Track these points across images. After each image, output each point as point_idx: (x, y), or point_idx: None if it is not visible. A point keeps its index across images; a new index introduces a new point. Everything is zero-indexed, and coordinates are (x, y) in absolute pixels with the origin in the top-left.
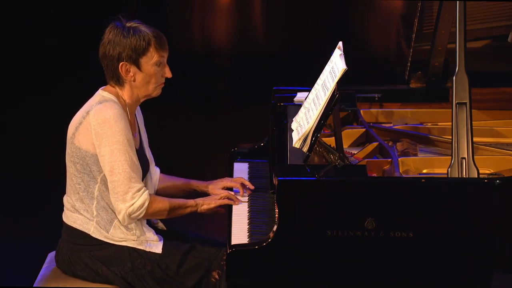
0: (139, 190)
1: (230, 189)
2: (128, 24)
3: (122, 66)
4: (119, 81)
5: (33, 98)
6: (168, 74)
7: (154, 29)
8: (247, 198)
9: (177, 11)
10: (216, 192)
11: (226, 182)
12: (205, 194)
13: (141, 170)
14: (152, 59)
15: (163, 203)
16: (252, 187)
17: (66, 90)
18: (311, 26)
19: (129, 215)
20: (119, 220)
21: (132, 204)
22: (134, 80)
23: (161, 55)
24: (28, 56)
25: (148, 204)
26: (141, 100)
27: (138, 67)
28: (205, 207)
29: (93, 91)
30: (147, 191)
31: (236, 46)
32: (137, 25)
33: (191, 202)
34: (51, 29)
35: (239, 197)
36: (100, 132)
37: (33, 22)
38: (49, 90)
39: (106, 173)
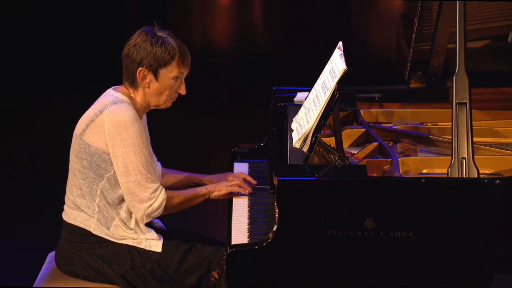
0: (156, 190)
1: None
2: (158, 33)
3: (140, 72)
4: (133, 83)
5: (33, 98)
6: (183, 91)
7: (182, 45)
8: (247, 198)
9: (177, 11)
10: None
11: (229, 177)
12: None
13: (155, 170)
14: (171, 73)
15: (179, 198)
16: (254, 182)
17: (67, 91)
18: (311, 26)
19: (148, 215)
20: (120, 219)
21: (151, 205)
22: (148, 87)
23: (181, 71)
24: (29, 57)
25: (166, 203)
26: (151, 108)
27: (156, 76)
28: (216, 193)
29: (95, 93)
30: (164, 190)
31: (236, 46)
32: (166, 36)
33: (202, 190)
34: (52, 29)
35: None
36: (115, 133)
37: (35, 22)
38: (49, 91)
39: (120, 174)
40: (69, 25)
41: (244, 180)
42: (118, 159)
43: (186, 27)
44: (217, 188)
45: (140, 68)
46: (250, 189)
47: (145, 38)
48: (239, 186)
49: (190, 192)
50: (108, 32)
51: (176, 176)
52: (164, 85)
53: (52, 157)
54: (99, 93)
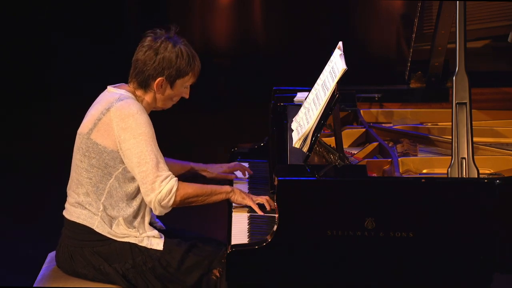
0: (166, 177)
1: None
2: (180, 45)
3: (159, 81)
4: (145, 88)
5: (33, 99)
6: (187, 96)
7: (195, 53)
8: None
9: (177, 11)
10: (218, 176)
11: (225, 168)
12: (205, 177)
13: (164, 159)
14: (186, 82)
15: (193, 189)
16: (250, 171)
17: (66, 91)
18: (311, 26)
19: (159, 202)
20: (123, 218)
21: (160, 192)
22: (162, 94)
23: (194, 80)
24: (26, 58)
25: (177, 190)
26: (154, 109)
27: (171, 86)
28: (239, 199)
29: (94, 93)
30: (175, 178)
31: (236, 46)
32: (185, 46)
33: (226, 188)
34: (52, 28)
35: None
36: (125, 126)
37: (35, 22)
38: (49, 91)
39: (133, 166)
40: (70, 25)
41: (242, 168)
42: (131, 151)
43: (186, 27)
44: (242, 195)
45: (160, 78)
46: (267, 211)
47: (169, 47)
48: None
49: (210, 187)
50: (109, 32)
51: (172, 165)
52: (177, 93)
53: (52, 157)
54: (97, 93)
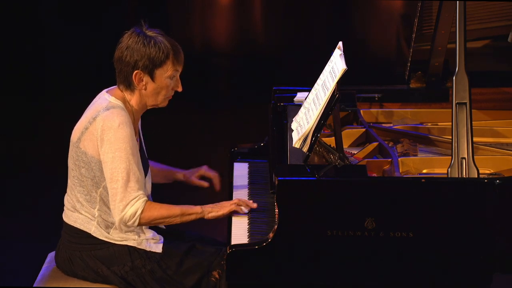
0: (133, 199)
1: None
2: (149, 33)
3: (136, 74)
4: (129, 87)
5: (34, 98)
6: (179, 89)
7: (174, 42)
8: (247, 198)
9: (177, 11)
10: (191, 181)
11: (203, 171)
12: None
13: (142, 177)
14: (167, 72)
15: (159, 211)
16: (217, 188)
17: (66, 91)
18: (311, 26)
19: (124, 223)
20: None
21: (124, 214)
22: (145, 89)
23: (176, 69)
24: (24, 57)
25: (142, 213)
26: (148, 108)
27: (152, 77)
28: (213, 214)
29: (94, 93)
30: (142, 199)
31: (236, 46)
32: (157, 35)
33: (196, 208)
34: (50, 28)
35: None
36: (105, 138)
37: (35, 21)
38: (49, 90)
39: (107, 180)
40: (70, 25)
41: (218, 179)
42: (106, 164)
43: (186, 27)
44: (214, 209)
45: (136, 71)
46: (248, 207)
47: (136, 39)
48: (239, 205)
49: (179, 208)
50: (108, 32)
51: (158, 170)
52: (161, 85)
53: (52, 156)
54: (97, 93)
